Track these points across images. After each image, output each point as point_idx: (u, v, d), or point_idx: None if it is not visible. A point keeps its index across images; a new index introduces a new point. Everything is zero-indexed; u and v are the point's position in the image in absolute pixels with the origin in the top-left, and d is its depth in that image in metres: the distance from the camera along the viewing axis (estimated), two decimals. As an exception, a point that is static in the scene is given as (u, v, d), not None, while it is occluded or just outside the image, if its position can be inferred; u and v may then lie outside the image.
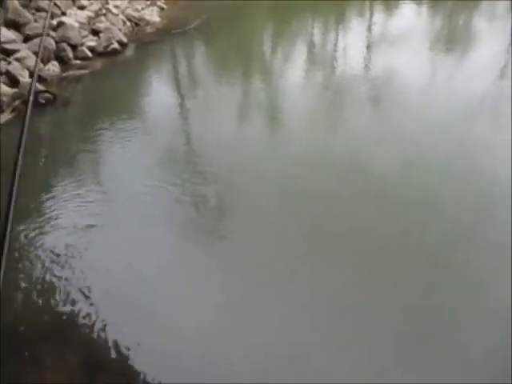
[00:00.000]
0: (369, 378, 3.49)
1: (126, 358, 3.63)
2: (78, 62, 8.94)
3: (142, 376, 3.50)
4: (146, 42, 10.08)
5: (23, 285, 4.24)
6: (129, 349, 3.69)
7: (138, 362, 3.60)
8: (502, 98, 7.94)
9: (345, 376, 3.49)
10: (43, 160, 6.10)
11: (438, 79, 8.71)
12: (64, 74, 8.43)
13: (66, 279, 4.29)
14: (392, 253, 4.60)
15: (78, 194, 5.40)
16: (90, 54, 9.19)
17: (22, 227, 4.84)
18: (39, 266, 4.42)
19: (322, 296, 4.16)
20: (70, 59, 8.89)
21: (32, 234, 4.78)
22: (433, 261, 4.48)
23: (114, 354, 3.66)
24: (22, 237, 4.73)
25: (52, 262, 4.47)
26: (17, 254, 4.53)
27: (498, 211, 5.04)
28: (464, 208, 5.09)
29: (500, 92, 8.24)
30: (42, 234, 4.82)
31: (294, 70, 9.30)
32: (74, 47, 9.09)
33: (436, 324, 3.92)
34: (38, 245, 4.66)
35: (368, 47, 10.41)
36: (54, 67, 8.41)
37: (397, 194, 5.30)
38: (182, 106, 7.82)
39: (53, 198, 5.36)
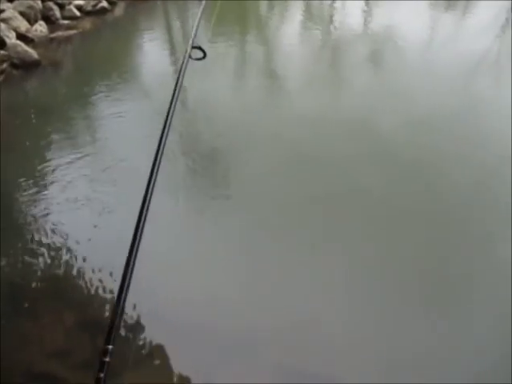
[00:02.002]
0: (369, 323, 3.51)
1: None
2: (66, 21, 8.58)
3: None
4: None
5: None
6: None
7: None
8: (504, 56, 7.80)
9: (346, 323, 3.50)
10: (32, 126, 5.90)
11: (438, 37, 8.51)
12: (52, 35, 8.09)
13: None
14: (396, 211, 4.55)
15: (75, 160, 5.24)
16: (78, 14, 8.81)
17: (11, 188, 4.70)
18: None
19: (325, 252, 4.13)
20: (57, 19, 8.52)
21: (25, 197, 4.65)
22: (438, 218, 4.45)
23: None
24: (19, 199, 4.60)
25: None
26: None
27: (503, 170, 4.99)
28: (470, 166, 5.04)
29: (501, 49, 8.08)
30: (35, 198, 4.69)
31: (291, 31, 9.02)
32: (61, 6, 8.70)
33: (440, 275, 3.94)
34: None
35: (367, 5, 10.10)
36: (41, 27, 8.07)
37: (402, 153, 5.21)
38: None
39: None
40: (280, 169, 5.07)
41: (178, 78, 2.16)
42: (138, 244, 1.61)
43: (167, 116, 2.01)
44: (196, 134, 5.77)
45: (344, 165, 5.08)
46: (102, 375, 1.34)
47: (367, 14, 9.64)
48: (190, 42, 2.41)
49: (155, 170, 1.81)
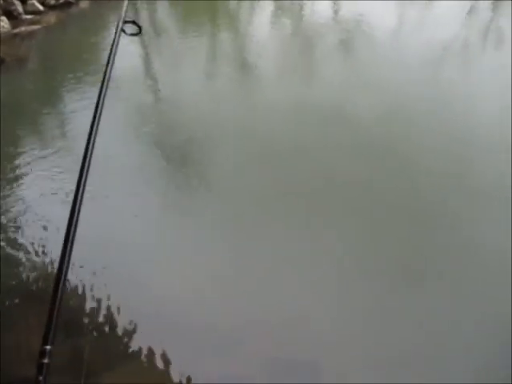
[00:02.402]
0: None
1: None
2: (29, 16, 8.30)
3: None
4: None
5: None
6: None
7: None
8: (473, 43, 7.96)
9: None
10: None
11: (407, 26, 8.61)
12: (15, 31, 7.82)
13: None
14: (374, 200, 4.59)
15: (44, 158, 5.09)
16: (41, 8, 8.53)
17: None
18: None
19: (303, 244, 4.13)
20: (19, 14, 8.24)
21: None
22: (415, 208, 4.52)
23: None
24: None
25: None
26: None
27: (480, 157, 5.10)
28: (445, 155, 5.12)
29: (470, 37, 8.24)
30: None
31: (261, 21, 8.97)
32: (23, 1, 8.42)
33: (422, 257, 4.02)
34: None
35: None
36: (3, 23, 7.78)
37: (377, 142, 5.26)
38: (148, 60, 7.42)
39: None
40: (254, 161, 5.04)
41: (110, 55, 2.06)
42: (74, 234, 1.53)
43: (99, 95, 1.91)
44: (168, 127, 5.69)
45: (318, 155, 5.09)
46: (41, 378, 1.26)
47: (336, 4, 9.66)
48: (122, 15, 2.31)
49: (89, 152, 1.74)
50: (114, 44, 2.10)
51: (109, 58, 2.04)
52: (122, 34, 2.25)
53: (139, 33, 2.42)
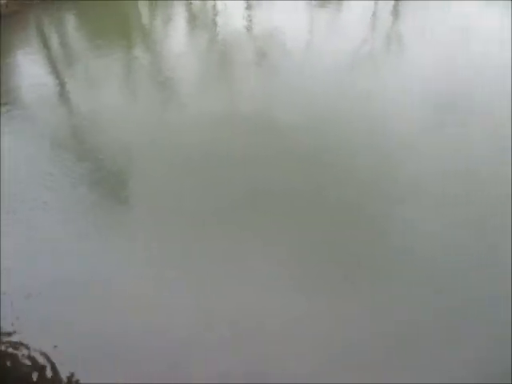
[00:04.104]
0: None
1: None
2: None
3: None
4: (4, 14, 8.93)
5: None
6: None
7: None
8: (378, 46, 8.47)
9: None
10: None
11: (319, 32, 8.98)
12: None
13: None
14: (301, 206, 4.77)
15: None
16: None
17: None
18: None
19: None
20: None
21: None
22: (344, 204, 4.76)
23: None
24: None
25: None
26: None
27: (403, 153, 5.46)
28: (369, 153, 5.43)
29: (375, 40, 8.76)
30: None
31: (176, 35, 8.95)
32: None
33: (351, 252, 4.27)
34: None
35: (248, 6, 10.33)
36: None
37: (303, 148, 5.47)
38: (61, 83, 7.15)
39: None
40: (181, 175, 5.06)
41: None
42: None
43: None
44: (89, 148, 5.53)
45: (245, 165, 5.19)
46: None
47: (250, 13, 9.87)
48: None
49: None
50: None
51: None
52: None
53: None
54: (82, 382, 3.31)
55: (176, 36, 8.91)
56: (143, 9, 10.51)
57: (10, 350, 3.39)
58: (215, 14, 10.15)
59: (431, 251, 4.29)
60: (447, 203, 4.79)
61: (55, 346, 3.46)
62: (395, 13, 10.43)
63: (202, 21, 9.80)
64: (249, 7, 10.24)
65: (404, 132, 5.76)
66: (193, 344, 3.52)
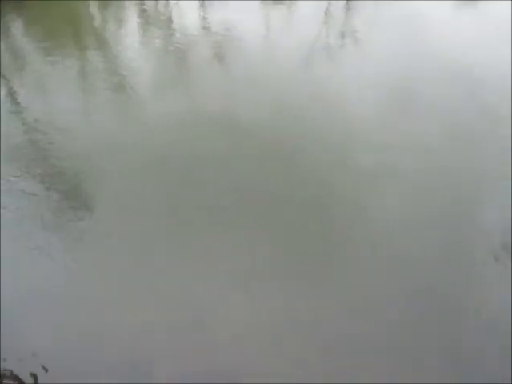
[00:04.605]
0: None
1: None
2: None
3: None
4: None
5: None
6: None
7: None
8: (333, 41, 8.58)
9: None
10: None
11: (274, 29, 8.99)
12: None
13: None
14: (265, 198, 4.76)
15: None
16: None
17: None
18: None
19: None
20: None
21: None
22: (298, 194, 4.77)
23: None
24: None
25: None
26: None
27: (359, 146, 5.53)
28: (327, 147, 5.48)
29: (329, 36, 8.87)
30: None
31: (130, 36, 8.74)
32: None
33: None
34: None
35: (201, 3, 10.23)
36: None
37: (267, 143, 5.47)
38: (9, 89, 6.82)
39: None
40: (144, 177, 4.94)
41: None
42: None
43: None
44: (49, 157, 5.31)
45: (208, 161, 5.13)
46: None
47: (204, 12, 9.78)
48: None
49: None
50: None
51: None
52: None
53: None
54: None
55: (130, 37, 8.69)
56: (94, 9, 10.22)
57: None
58: (169, 14, 10.00)
59: (392, 244, 4.38)
60: (407, 194, 4.91)
61: None
62: (348, 8, 10.61)
63: (155, 21, 9.61)
64: (203, 6, 10.15)
65: (360, 126, 5.85)
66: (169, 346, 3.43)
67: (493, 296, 4.04)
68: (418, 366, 3.51)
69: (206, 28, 8.98)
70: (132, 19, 9.56)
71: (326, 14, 10.29)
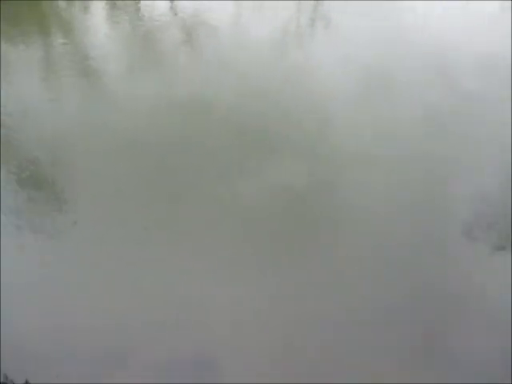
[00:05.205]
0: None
1: None
2: None
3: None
4: None
5: None
6: None
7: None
8: (306, 24, 8.57)
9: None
10: None
11: (244, 13, 8.90)
12: None
13: None
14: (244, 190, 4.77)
15: None
16: None
17: None
18: None
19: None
20: None
21: None
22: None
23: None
24: None
25: None
26: None
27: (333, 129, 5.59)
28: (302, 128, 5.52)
29: (302, 19, 8.84)
30: None
31: (98, 21, 8.52)
32: None
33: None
34: None
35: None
36: None
37: (245, 125, 5.47)
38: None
39: None
40: (118, 163, 4.89)
41: None
42: None
43: None
44: (21, 148, 5.20)
45: (183, 146, 5.10)
46: None
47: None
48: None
49: None
50: None
51: None
52: None
53: None
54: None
55: (98, 22, 8.49)
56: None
57: None
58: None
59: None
60: (380, 175, 4.99)
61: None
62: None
63: (125, 5, 9.40)
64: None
65: (333, 106, 5.90)
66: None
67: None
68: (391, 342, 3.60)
69: (175, 11, 8.83)
70: (100, 3, 9.32)
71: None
